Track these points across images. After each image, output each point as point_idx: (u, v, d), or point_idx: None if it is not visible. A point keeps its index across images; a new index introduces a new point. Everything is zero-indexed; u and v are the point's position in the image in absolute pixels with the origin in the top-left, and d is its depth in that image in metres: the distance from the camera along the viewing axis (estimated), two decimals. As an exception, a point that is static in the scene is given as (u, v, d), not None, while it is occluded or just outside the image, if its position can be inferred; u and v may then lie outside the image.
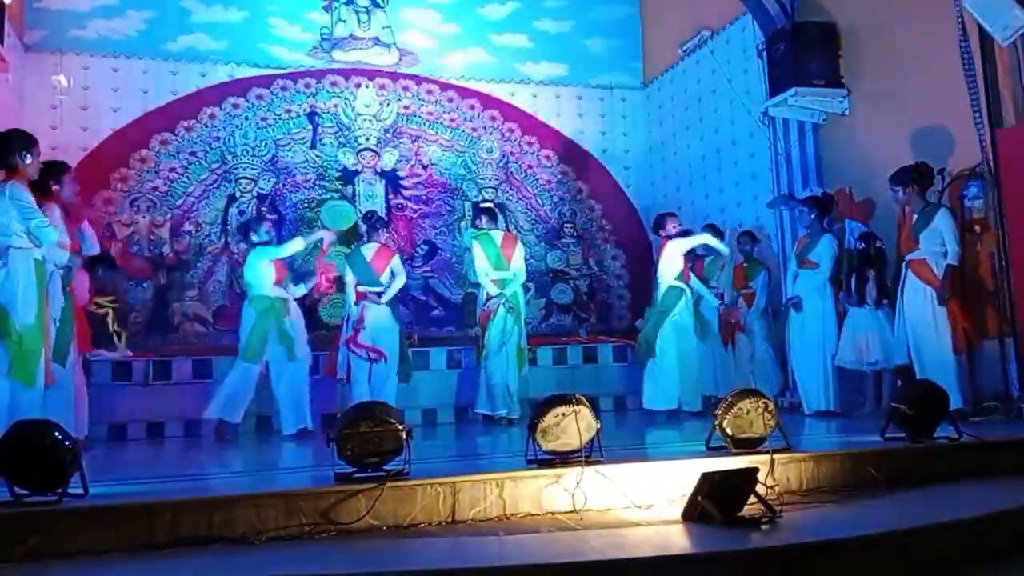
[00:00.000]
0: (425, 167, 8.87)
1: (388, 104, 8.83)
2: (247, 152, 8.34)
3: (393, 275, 6.51)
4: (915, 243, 5.41)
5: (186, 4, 8.36)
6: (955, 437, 4.09)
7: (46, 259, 4.49)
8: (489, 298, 6.67)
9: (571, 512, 3.36)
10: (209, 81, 8.33)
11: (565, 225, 9.23)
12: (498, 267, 6.71)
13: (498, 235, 6.86)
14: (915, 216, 5.44)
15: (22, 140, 4.45)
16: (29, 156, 4.39)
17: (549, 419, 3.52)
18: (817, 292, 6.25)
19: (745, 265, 7.15)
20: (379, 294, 6.41)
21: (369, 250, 6.52)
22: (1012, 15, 5.06)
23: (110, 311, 6.86)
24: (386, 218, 7.65)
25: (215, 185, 8.21)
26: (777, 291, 6.98)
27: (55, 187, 4.86)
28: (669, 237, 6.72)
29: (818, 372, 6.21)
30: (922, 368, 5.23)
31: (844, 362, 6.03)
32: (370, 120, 8.75)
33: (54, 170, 4.90)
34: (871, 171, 6.40)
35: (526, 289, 7.26)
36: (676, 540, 2.98)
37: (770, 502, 3.21)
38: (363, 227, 7.10)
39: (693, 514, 3.17)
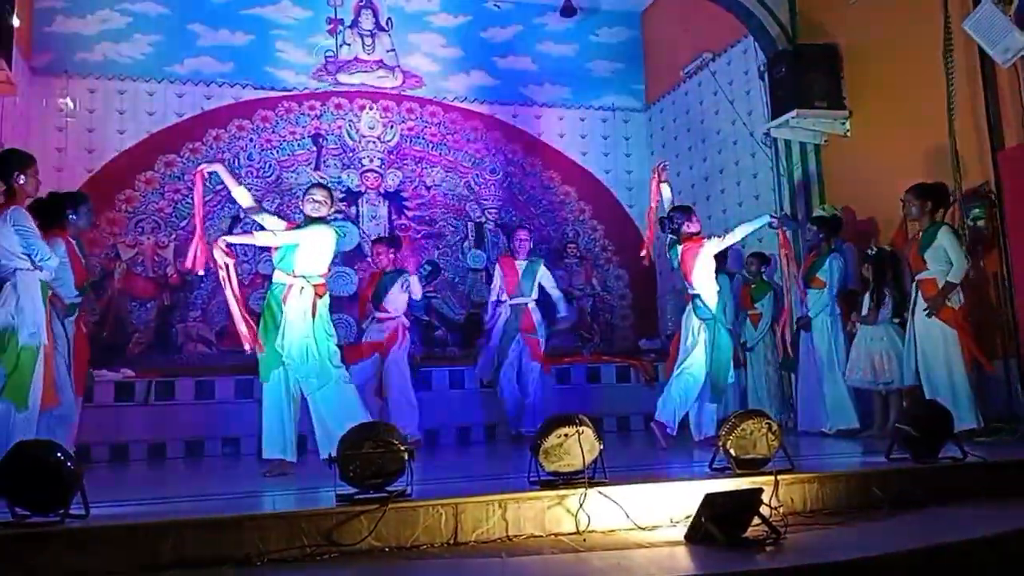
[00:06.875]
0: (428, 188, 8.90)
1: (392, 126, 8.89)
2: (251, 174, 8.37)
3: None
4: (923, 263, 5.34)
5: (192, 27, 8.44)
6: (960, 458, 4.08)
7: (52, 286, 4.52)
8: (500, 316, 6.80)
9: (574, 534, 3.34)
10: (214, 103, 8.39)
11: (568, 246, 9.25)
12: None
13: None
14: (921, 235, 5.40)
15: (17, 159, 4.42)
16: (23, 176, 4.34)
17: (552, 440, 3.51)
18: (825, 311, 6.22)
19: (753, 286, 7.13)
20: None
21: None
22: (1012, 38, 5.08)
23: None
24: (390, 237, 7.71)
25: (219, 206, 8.24)
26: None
27: (72, 216, 5.03)
28: (697, 235, 5.66)
29: (825, 391, 6.12)
30: (932, 389, 5.15)
31: (856, 381, 5.93)
32: (374, 142, 8.80)
33: (72, 201, 5.06)
34: (873, 191, 6.41)
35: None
36: (680, 562, 2.97)
37: (774, 523, 3.20)
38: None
39: (697, 536, 3.16)
